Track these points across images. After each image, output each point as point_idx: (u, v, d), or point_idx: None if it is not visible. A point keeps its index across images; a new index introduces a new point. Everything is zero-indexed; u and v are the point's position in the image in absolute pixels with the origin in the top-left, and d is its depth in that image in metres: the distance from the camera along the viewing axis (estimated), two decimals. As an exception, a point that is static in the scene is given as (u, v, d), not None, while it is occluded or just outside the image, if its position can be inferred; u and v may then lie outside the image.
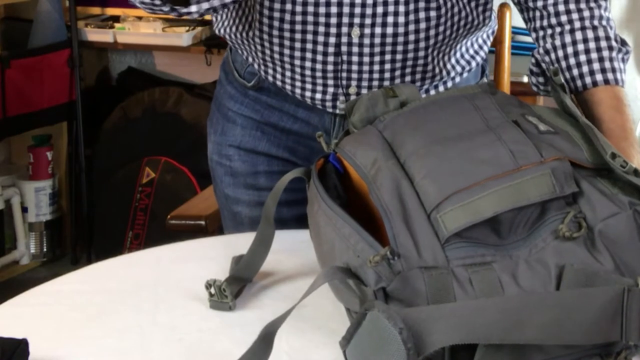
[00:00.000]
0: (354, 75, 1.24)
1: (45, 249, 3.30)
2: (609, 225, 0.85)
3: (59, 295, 1.09)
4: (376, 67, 1.23)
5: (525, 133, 0.93)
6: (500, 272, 0.84)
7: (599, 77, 1.17)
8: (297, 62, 1.25)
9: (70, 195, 3.35)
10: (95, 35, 3.26)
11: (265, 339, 0.84)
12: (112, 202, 3.21)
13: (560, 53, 1.20)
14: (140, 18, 3.22)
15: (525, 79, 2.26)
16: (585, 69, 1.18)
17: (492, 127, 0.94)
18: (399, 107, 1.04)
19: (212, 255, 1.16)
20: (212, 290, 1.03)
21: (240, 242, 1.12)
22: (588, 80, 1.18)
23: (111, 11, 3.29)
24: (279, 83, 1.30)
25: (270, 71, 1.30)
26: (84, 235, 3.29)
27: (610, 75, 1.17)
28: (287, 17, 1.22)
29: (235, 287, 1.05)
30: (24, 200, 3.24)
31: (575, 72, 1.18)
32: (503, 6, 1.68)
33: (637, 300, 0.78)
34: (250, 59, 1.33)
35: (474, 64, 1.35)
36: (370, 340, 0.78)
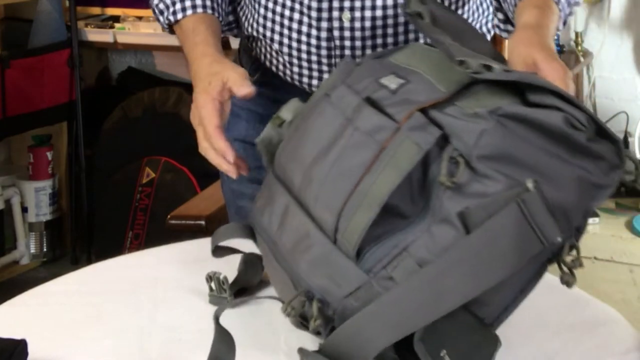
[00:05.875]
0: None
1: (45, 249, 3.30)
2: (480, 146, 0.81)
3: (59, 295, 1.09)
4: (369, 52, 1.24)
5: (377, 104, 0.90)
6: (415, 253, 0.82)
7: None
8: (294, 45, 1.28)
9: (70, 195, 3.35)
10: (95, 35, 3.26)
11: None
12: (112, 202, 3.20)
13: None
14: (140, 18, 3.22)
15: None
16: None
17: (349, 118, 0.91)
18: (288, 126, 1.04)
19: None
20: (212, 285, 1.04)
21: (240, 243, 1.12)
22: None
23: (111, 11, 3.29)
24: (280, 68, 1.33)
25: (273, 60, 1.33)
26: (84, 235, 3.29)
27: None
28: (279, 4, 1.25)
29: (238, 285, 1.05)
30: (24, 200, 3.24)
31: None
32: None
33: (533, 203, 0.77)
34: (256, 52, 1.36)
35: None
36: None
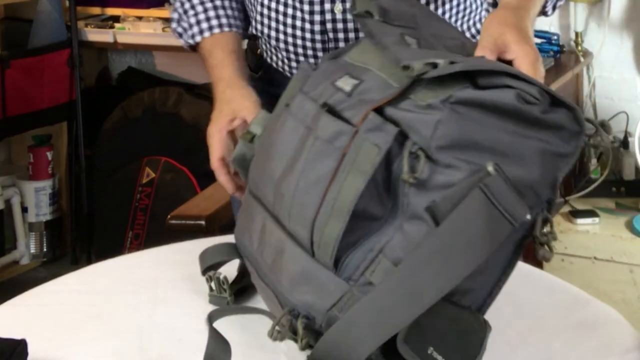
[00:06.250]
0: None
1: (45, 249, 3.30)
2: (437, 137, 0.80)
3: (59, 295, 1.09)
4: None
5: (334, 109, 0.89)
6: (391, 254, 0.81)
7: None
8: (290, 40, 1.28)
9: (70, 195, 3.35)
10: (95, 35, 3.26)
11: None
12: (112, 202, 3.20)
13: None
14: (140, 18, 3.22)
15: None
16: None
17: (309, 127, 0.91)
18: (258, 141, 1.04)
19: (212, 256, 1.16)
20: (212, 285, 1.04)
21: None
22: None
23: (111, 11, 3.28)
24: (280, 64, 1.33)
25: (273, 57, 1.34)
26: (84, 235, 3.29)
27: None
28: (274, 0, 1.25)
29: (238, 285, 1.05)
30: (24, 200, 3.24)
31: None
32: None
33: (496, 185, 0.77)
34: (260, 49, 1.38)
35: None
36: None
